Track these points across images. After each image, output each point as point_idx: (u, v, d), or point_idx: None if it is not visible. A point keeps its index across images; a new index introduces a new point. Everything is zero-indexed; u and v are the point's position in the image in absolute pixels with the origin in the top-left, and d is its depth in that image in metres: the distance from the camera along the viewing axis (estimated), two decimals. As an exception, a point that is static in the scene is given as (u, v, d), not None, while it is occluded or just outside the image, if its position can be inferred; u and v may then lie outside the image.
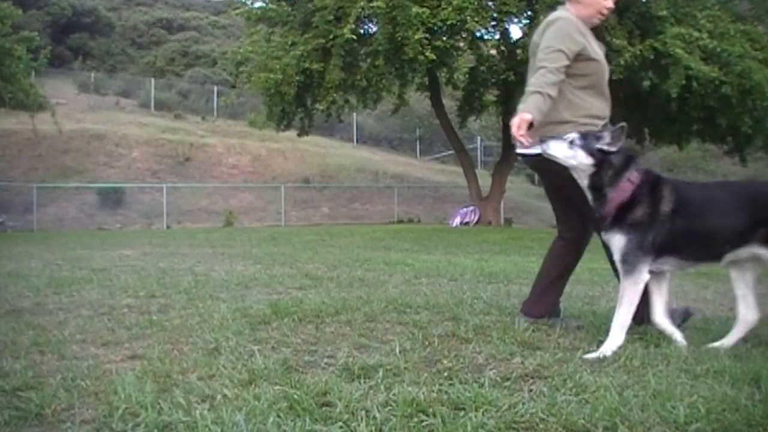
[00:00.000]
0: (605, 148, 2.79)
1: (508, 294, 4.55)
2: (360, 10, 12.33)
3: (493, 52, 14.63)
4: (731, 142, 15.63)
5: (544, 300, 3.35)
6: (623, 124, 2.84)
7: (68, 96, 28.35)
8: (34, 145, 21.63)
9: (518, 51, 13.55)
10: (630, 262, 2.79)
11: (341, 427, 1.79)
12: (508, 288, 4.96)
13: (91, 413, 1.92)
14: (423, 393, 2.03)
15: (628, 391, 2.10)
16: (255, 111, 25.57)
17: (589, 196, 2.91)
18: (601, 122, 3.10)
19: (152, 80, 31.73)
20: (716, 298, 4.84)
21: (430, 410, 1.89)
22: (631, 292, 2.80)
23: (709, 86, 11.72)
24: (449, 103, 18.47)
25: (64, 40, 35.93)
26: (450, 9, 11.86)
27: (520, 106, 2.93)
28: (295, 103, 14.81)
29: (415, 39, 11.67)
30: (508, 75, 13.81)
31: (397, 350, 2.59)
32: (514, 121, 2.86)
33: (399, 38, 11.99)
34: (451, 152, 23.38)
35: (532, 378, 2.30)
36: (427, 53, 11.80)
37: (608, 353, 2.65)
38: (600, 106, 3.17)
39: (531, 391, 2.15)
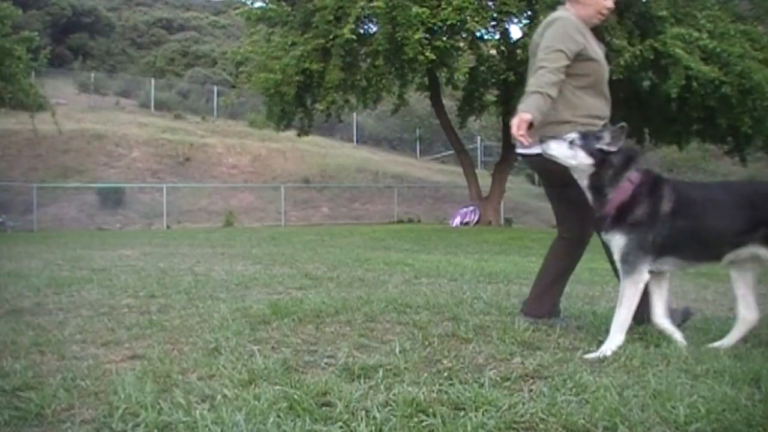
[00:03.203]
0: (605, 148, 2.78)
1: (508, 294, 4.55)
2: (360, 10, 12.32)
3: (493, 52, 14.62)
4: (731, 142, 15.62)
5: (544, 300, 3.33)
6: (623, 124, 2.83)
7: (68, 96, 28.36)
8: (34, 145, 21.63)
9: (518, 51, 13.54)
10: (630, 262, 2.78)
11: (341, 427, 1.79)
12: (508, 288, 4.96)
13: (91, 413, 1.92)
14: (423, 393, 2.03)
15: (628, 391, 2.10)
16: (255, 111, 25.59)
17: (588, 196, 2.90)
18: (601, 122, 3.09)
19: (152, 80, 31.73)
20: (716, 298, 4.84)
21: (430, 410, 1.89)
22: (631, 292, 2.79)
23: (709, 86, 11.71)
24: (449, 103, 18.46)
25: (64, 40, 35.97)
26: (450, 9, 11.86)
27: (520, 106, 2.93)
28: (295, 103, 14.80)
29: (415, 39, 11.66)
30: (508, 75, 13.80)
31: (397, 350, 2.59)
32: (514, 121, 2.86)
33: (399, 38, 11.98)
34: (451, 152, 23.39)
35: (532, 378, 2.30)
36: (427, 53, 11.80)
37: (608, 353, 2.65)
38: (600, 106, 3.17)
39: (531, 391, 2.15)
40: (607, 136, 2.79)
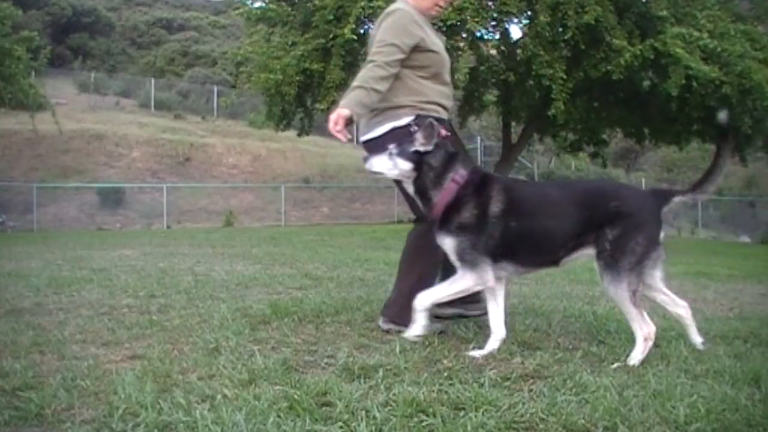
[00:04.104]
0: (421, 148, 2.69)
1: (508, 294, 4.53)
2: (360, 9, 12.31)
3: (493, 52, 14.61)
4: (731, 142, 15.60)
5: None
6: (431, 120, 2.74)
7: (68, 96, 28.34)
8: (34, 145, 21.62)
9: (518, 51, 13.54)
10: (469, 259, 2.64)
11: (341, 427, 1.79)
12: (508, 288, 4.94)
13: (91, 413, 1.92)
14: (423, 393, 2.03)
15: (628, 391, 2.11)
16: (255, 111, 25.56)
17: (418, 201, 2.80)
18: (443, 109, 3.10)
19: (152, 80, 31.73)
20: (716, 298, 4.84)
21: (430, 410, 1.89)
22: (466, 282, 2.65)
23: (709, 86, 11.68)
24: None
25: (64, 40, 35.97)
26: (450, 9, 11.83)
27: (341, 102, 2.90)
28: (296, 103, 14.79)
29: (416, 39, 11.65)
30: (508, 75, 13.79)
31: (397, 350, 2.59)
32: (332, 117, 2.83)
33: (399, 38, 11.97)
34: (451, 152, 23.34)
35: (532, 378, 2.30)
36: (428, 53, 11.78)
37: (409, 335, 2.64)
38: (442, 93, 3.15)
39: (531, 391, 2.15)
40: (419, 136, 2.69)
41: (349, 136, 2.85)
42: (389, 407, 1.92)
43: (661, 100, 12.98)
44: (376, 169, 2.79)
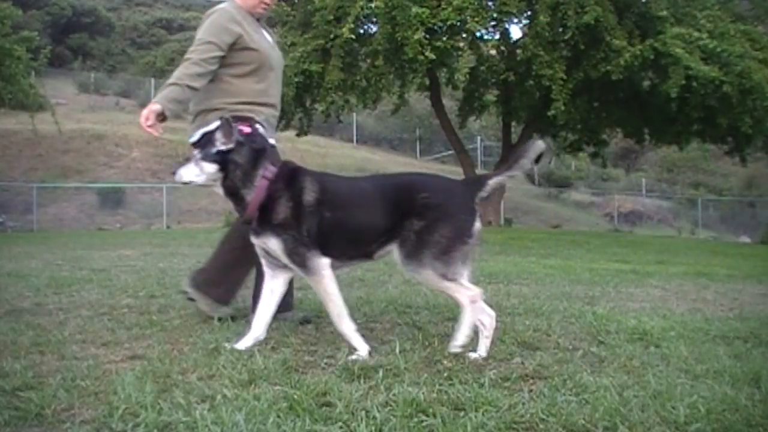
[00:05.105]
0: (222, 148, 2.64)
1: (508, 294, 4.54)
2: (359, 10, 12.32)
3: (493, 52, 14.63)
4: (731, 142, 15.63)
5: (218, 285, 3.38)
6: (227, 116, 2.70)
7: (68, 96, 28.35)
8: (34, 145, 21.62)
9: (518, 51, 13.56)
10: (300, 259, 2.61)
11: (341, 427, 1.79)
12: (508, 288, 4.95)
13: (91, 413, 1.92)
14: (423, 393, 2.04)
15: (628, 391, 2.11)
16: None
17: (231, 203, 2.76)
18: (264, 108, 3.12)
19: (152, 80, 31.71)
20: (716, 298, 4.84)
21: (430, 410, 1.89)
22: (324, 285, 2.63)
23: (709, 86, 11.70)
24: (449, 103, 18.46)
25: (64, 40, 36.00)
26: (450, 9, 11.85)
27: (154, 98, 2.95)
28: (294, 104, 14.81)
29: (415, 39, 11.66)
30: (508, 75, 13.81)
31: (397, 350, 2.59)
32: (143, 113, 2.85)
33: (399, 38, 11.97)
34: (451, 152, 23.39)
35: (532, 378, 2.30)
36: (427, 53, 11.79)
37: (364, 354, 2.54)
38: (263, 92, 3.17)
39: (531, 391, 2.15)
40: (219, 136, 2.65)
41: (162, 131, 2.90)
42: (389, 407, 1.93)
43: (661, 100, 12.99)
44: (185, 179, 2.76)
